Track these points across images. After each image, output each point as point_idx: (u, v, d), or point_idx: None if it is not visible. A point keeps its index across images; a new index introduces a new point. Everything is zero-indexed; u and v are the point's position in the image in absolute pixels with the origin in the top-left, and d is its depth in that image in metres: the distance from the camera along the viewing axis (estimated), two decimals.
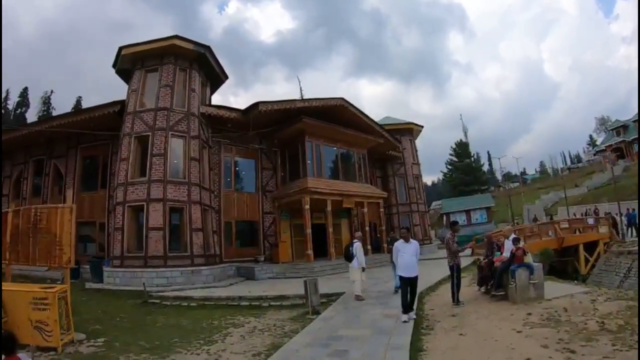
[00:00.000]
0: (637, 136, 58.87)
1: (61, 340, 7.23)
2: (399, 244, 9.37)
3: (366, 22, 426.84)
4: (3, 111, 65.00)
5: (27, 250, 8.65)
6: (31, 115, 65.69)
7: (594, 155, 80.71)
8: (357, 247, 11.89)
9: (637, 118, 59.57)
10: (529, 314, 8.36)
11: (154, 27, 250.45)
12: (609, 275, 19.52)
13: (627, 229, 25.07)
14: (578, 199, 48.62)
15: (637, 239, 22.80)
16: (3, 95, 66.34)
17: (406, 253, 9.07)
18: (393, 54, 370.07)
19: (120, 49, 18.34)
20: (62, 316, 7.42)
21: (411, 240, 9.47)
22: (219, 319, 10.36)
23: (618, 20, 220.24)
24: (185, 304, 12.71)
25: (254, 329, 9.07)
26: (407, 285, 8.80)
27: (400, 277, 9.00)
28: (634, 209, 27.04)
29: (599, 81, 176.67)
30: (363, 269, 11.76)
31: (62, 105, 69.79)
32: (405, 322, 8.29)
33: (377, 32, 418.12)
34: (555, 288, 10.94)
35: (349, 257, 11.91)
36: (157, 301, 13.03)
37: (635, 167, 50.63)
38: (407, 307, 8.61)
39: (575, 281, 15.97)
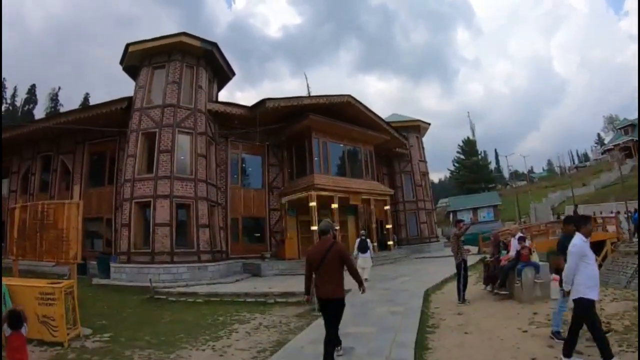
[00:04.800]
0: None
1: (67, 335, 7.26)
2: (584, 244, 5.54)
3: (374, 17, 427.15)
4: (11, 108, 65.50)
5: (34, 246, 8.69)
6: (39, 112, 66.09)
7: (602, 154, 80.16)
8: (369, 242, 14.87)
9: None
10: (535, 313, 8.33)
11: (160, 22, 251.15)
12: (615, 275, 19.35)
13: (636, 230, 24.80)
14: (585, 198, 48.32)
15: None
16: (11, 92, 66.96)
17: (593, 260, 5.62)
18: (401, 50, 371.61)
19: (128, 45, 18.36)
20: (69, 311, 7.44)
21: None
22: (225, 315, 10.37)
23: (628, 17, 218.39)
24: (191, 299, 12.72)
25: (260, 326, 9.07)
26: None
27: (587, 302, 5.36)
28: (635, 209, 26.80)
29: (607, 78, 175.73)
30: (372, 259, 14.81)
31: (69, 102, 70.24)
32: None
33: (384, 27, 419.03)
34: None
35: (365, 249, 14.36)
36: (163, 297, 13.07)
37: None
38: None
39: None
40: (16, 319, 5.08)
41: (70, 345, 7.21)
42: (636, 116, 63.76)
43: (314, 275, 5.78)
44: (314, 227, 19.80)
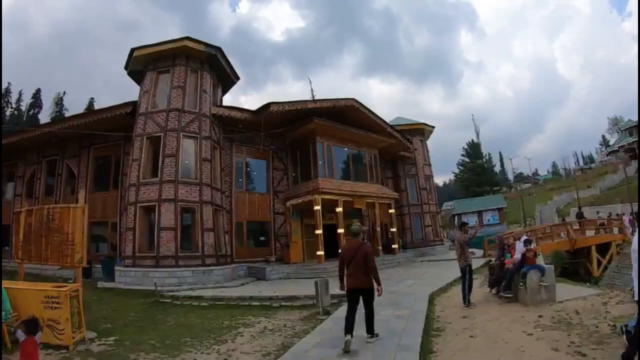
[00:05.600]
0: None
1: (72, 338, 7.28)
2: None
3: (377, 20, 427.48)
4: (17, 112, 65.92)
5: (39, 249, 8.73)
6: (44, 116, 66.65)
7: (607, 155, 79.65)
8: None
9: None
10: (540, 316, 8.29)
11: (163, 27, 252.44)
12: (621, 277, 19.18)
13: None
14: (590, 200, 48.12)
15: None
16: (16, 96, 67.42)
17: None
18: (404, 53, 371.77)
19: (132, 50, 18.43)
20: (74, 315, 7.46)
21: None
22: (230, 318, 10.36)
23: (631, 17, 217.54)
24: (196, 303, 12.73)
25: (265, 329, 9.05)
26: None
27: None
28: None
29: (611, 79, 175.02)
30: None
31: (74, 106, 70.39)
32: None
33: (388, 31, 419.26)
34: (566, 290, 10.86)
35: None
36: (168, 300, 13.06)
37: None
38: None
39: (587, 283, 15.79)
40: (34, 325, 5.14)
41: (75, 349, 7.23)
42: None
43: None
44: (319, 231, 19.84)
